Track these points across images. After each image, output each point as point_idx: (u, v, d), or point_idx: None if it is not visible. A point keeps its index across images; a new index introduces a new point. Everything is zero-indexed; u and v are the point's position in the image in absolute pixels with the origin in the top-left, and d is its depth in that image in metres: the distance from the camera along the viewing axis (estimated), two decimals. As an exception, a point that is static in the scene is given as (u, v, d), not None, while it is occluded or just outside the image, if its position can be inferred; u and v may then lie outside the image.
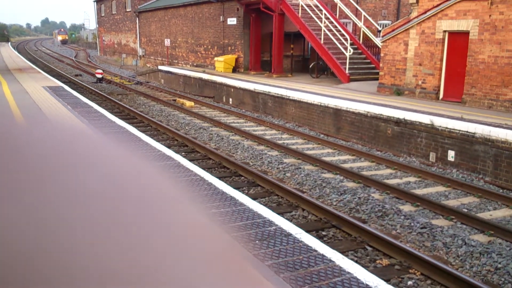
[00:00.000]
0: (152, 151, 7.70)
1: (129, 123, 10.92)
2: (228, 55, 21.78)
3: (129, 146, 0.35)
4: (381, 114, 11.06)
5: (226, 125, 13.06)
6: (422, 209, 7.03)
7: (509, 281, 5.04)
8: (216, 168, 9.10)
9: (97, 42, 48.49)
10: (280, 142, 11.28)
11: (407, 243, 5.83)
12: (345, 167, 9.10)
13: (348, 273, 3.81)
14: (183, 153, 9.92)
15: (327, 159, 9.81)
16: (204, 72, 20.67)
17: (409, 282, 4.96)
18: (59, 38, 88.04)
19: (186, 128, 12.98)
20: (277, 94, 14.78)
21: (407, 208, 7.06)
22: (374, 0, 24.34)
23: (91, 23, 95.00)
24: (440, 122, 9.67)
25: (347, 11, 18.16)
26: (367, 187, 8.01)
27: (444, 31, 12.18)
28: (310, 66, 19.20)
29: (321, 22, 16.80)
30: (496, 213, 7.02)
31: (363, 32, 17.91)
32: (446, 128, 9.54)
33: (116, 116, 11.54)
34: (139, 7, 33.05)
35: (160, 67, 25.03)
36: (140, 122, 13.76)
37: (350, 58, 16.16)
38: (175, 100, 18.05)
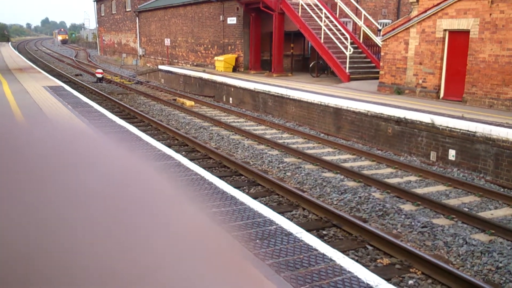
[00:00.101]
0: (152, 151, 7.70)
1: (130, 123, 10.91)
2: (228, 54, 21.77)
3: (129, 145, 0.35)
4: (381, 113, 11.05)
5: (226, 124, 13.06)
6: (423, 208, 7.02)
7: (510, 280, 5.03)
8: (217, 168, 9.10)
9: (97, 42, 48.50)
10: (280, 141, 11.27)
11: (408, 242, 5.83)
12: (345, 166, 9.10)
13: (349, 272, 3.81)
14: (183, 153, 9.92)
15: (328, 158, 9.81)
16: (204, 71, 20.67)
17: (410, 282, 4.96)
18: (59, 38, 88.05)
19: (187, 127, 12.98)
20: (277, 93, 14.78)
21: (407, 207, 7.06)
22: (374, -1, 24.32)
23: (91, 23, 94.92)
24: (441, 121, 9.67)
25: (347, 10, 18.15)
26: (367, 186, 8.01)
27: (445, 30, 12.17)
28: (310, 65, 19.19)
29: (321, 21, 16.79)
30: (497, 212, 7.02)
31: (363, 31, 17.90)
32: (447, 127, 9.54)
33: (116, 115, 11.54)
34: (139, 6, 33.05)
35: (160, 67, 25.04)
36: (141, 121, 13.76)
37: (350, 57, 16.15)
38: (175, 100, 18.05)
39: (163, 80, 24.21)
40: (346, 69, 16.16)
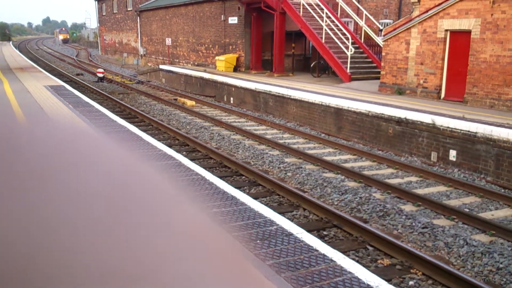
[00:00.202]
0: (153, 150, 7.70)
1: (130, 122, 10.92)
2: (229, 54, 21.78)
3: (130, 145, 0.35)
4: (382, 114, 11.05)
5: (227, 124, 13.06)
6: (424, 209, 7.02)
7: (510, 281, 5.03)
8: (217, 168, 9.11)
9: (98, 41, 48.52)
10: (281, 141, 11.27)
11: (409, 243, 5.83)
12: (346, 166, 9.09)
13: (349, 273, 3.81)
14: (184, 153, 9.92)
15: (328, 158, 9.80)
16: (205, 71, 20.67)
17: (411, 282, 4.96)
18: (61, 37, 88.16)
19: (187, 127, 12.98)
20: (278, 93, 14.78)
21: (408, 208, 7.06)
22: (376, -1, 24.32)
23: (92, 22, 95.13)
24: (442, 122, 9.66)
25: (348, 10, 18.15)
26: (368, 187, 8.01)
27: (446, 30, 12.16)
28: (311, 65, 19.19)
29: (322, 21, 16.79)
30: (497, 213, 7.01)
31: (365, 31, 17.90)
32: (448, 127, 9.53)
33: (117, 115, 11.55)
34: (140, 6, 33.07)
35: (161, 66, 25.05)
36: (141, 121, 13.77)
37: (351, 57, 16.15)
38: (176, 100, 18.06)
39: (164, 79, 24.22)
40: (347, 69, 16.16)
